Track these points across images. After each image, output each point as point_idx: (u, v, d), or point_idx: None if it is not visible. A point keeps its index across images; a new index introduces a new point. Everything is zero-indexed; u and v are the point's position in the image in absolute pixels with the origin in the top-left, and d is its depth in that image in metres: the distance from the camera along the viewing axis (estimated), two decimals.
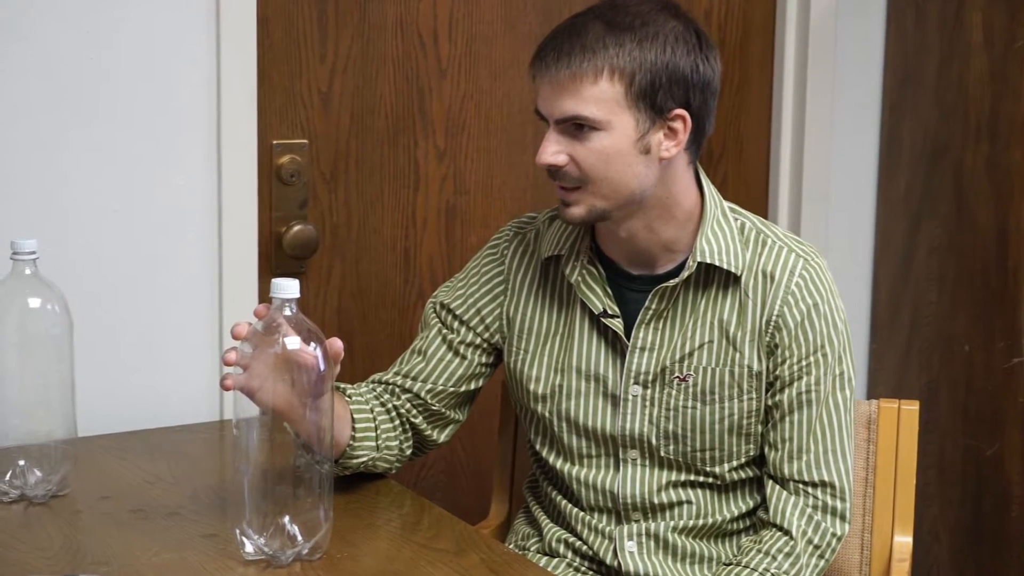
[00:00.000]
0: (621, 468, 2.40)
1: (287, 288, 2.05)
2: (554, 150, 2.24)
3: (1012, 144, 3.14)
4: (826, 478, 2.36)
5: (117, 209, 2.73)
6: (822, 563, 2.36)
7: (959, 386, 3.31)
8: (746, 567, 2.34)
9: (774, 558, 2.33)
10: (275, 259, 2.91)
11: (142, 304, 2.77)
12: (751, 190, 3.43)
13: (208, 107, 2.77)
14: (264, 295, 2.83)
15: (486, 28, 3.07)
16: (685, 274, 2.32)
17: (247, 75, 2.80)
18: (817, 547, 2.35)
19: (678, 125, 2.25)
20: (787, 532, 2.35)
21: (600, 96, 2.20)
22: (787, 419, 2.36)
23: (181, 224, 2.78)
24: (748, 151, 3.44)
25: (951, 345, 3.33)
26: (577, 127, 2.22)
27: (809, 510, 2.35)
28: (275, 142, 2.90)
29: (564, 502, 2.47)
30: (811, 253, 2.38)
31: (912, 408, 2.58)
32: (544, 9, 3.12)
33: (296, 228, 2.91)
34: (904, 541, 2.56)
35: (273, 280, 2.05)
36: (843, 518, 2.37)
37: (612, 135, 2.22)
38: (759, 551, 2.35)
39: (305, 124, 2.93)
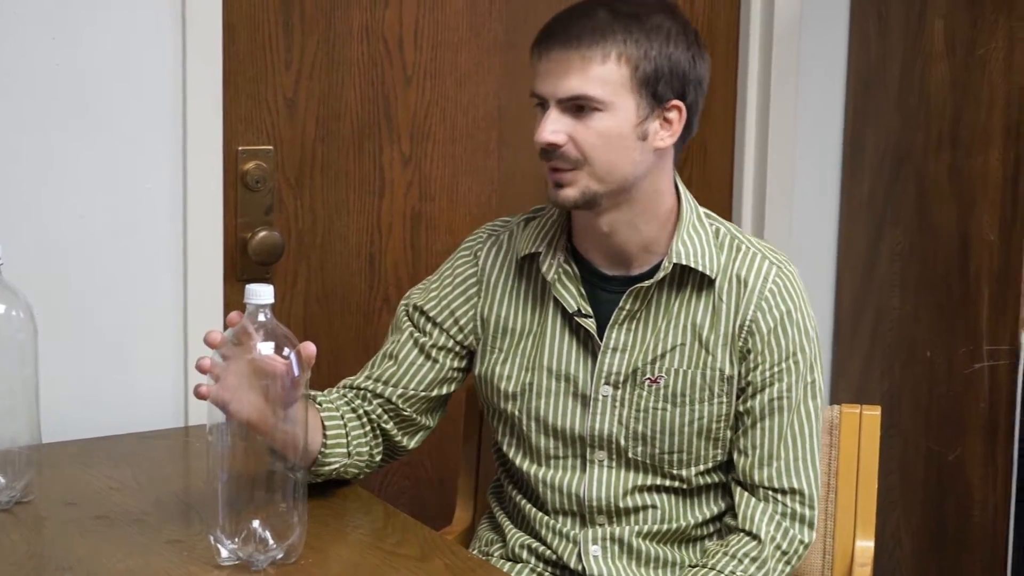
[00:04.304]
0: (588, 469, 2.41)
1: (261, 294, 2.05)
2: (554, 128, 2.26)
3: (974, 151, 3.16)
4: (796, 485, 2.37)
5: (83, 215, 2.72)
6: (788, 569, 2.37)
7: (921, 391, 3.32)
8: (712, 568, 2.35)
9: (740, 561, 2.34)
10: (240, 265, 2.91)
11: (107, 310, 2.77)
12: (715, 195, 3.44)
13: (174, 113, 2.77)
14: (229, 300, 2.84)
15: (451, 35, 3.08)
16: (660, 275, 2.34)
17: (213, 81, 2.80)
18: (784, 553, 2.37)
19: (673, 116, 2.29)
20: (755, 536, 2.36)
21: (607, 77, 2.24)
22: (758, 425, 2.37)
23: (146, 230, 2.78)
24: (712, 156, 3.45)
25: (913, 351, 3.34)
26: (579, 108, 2.25)
27: (778, 517, 2.37)
28: (240, 148, 2.90)
29: (528, 506, 2.48)
30: (784, 261, 2.41)
31: (874, 413, 2.60)
32: (509, 17, 3.12)
33: (261, 234, 2.91)
34: (866, 546, 2.57)
35: (247, 286, 2.06)
36: (811, 526, 2.39)
37: (614, 117, 2.25)
38: (725, 554, 2.36)
39: (271, 130, 2.93)
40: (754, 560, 2.35)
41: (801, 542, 2.38)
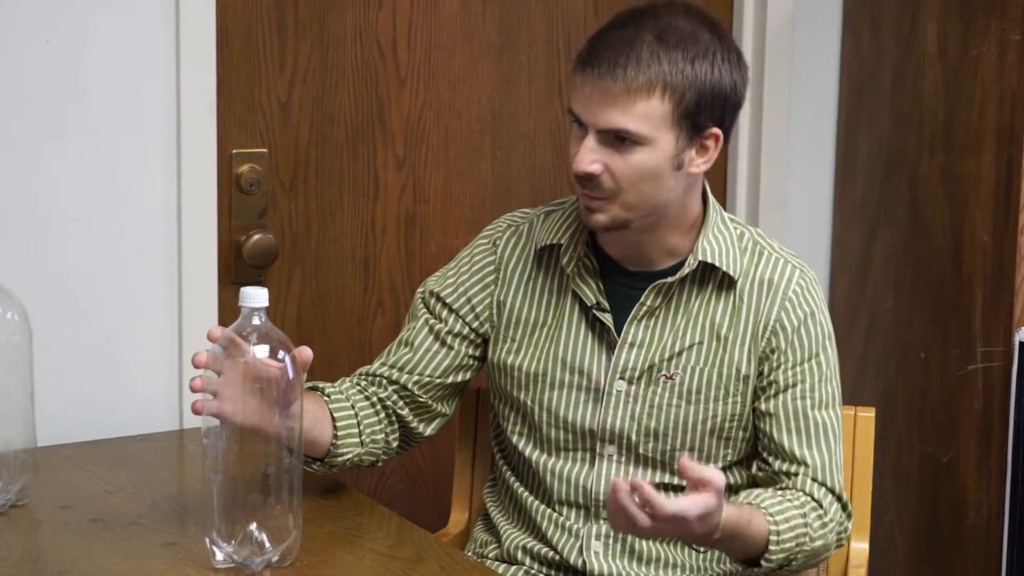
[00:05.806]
0: (597, 463, 2.41)
1: (256, 297, 2.05)
2: (592, 159, 2.26)
3: (966, 153, 3.16)
4: (831, 485, 2.36)
5: (76, 218, 2.72)
6: (834, 540, 2.35)
7: (915, 393, 3.33)
8: (777, 496, 2.31)
9: (803, 507, 2.30)
10: (235, 268, 2.91)
11: (101, 314, 2.76)
12: None
13: (168, 116, 2.77)
14: (223, 304, 2.83)
15: (445, 38, 3.08)
16: (685, 271, 2.35)
17: (207, 84, 2.80)
18: (835, 525, 2.35)
19: (710, 143, 2.30)
20: (814, 499, 2.33)
21: (650, 113, 2.23)
22: (784, 429, 2.36)
23: (140, 233, 2.78)
24: None
25: (907, 352, 3.34)
26: (618, 139, 2.24)
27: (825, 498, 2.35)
28: (235, 151, 2.90)
29: (531, 500, 2.47)
30: (805, 266, 2.42)
31: (868, 415, 2.61)
32: (502, 20, 3.13)
33: (256, 237, 2.91)
34: (860, 547, 2.57)
35: (242, 289, 2.06)
36: (850, 519, 2.38)
37: (653, 151, 2.25)
38: (784, 497, 2.32)
39: (265, 133, 2.93)
40: (816, 507, 2.32)
41: (845, 530, 2.36)
